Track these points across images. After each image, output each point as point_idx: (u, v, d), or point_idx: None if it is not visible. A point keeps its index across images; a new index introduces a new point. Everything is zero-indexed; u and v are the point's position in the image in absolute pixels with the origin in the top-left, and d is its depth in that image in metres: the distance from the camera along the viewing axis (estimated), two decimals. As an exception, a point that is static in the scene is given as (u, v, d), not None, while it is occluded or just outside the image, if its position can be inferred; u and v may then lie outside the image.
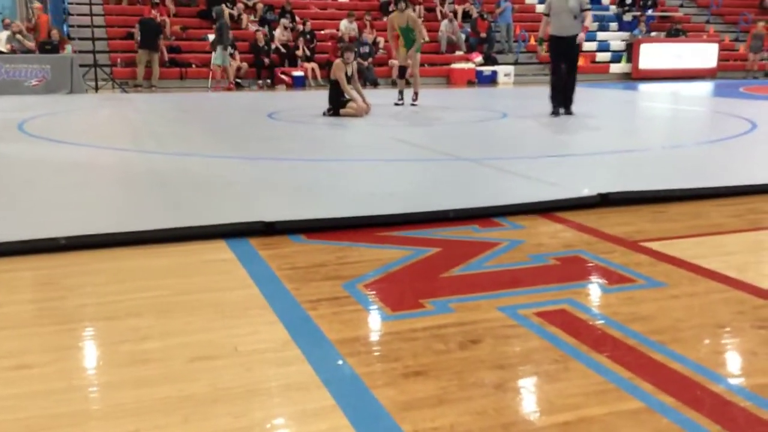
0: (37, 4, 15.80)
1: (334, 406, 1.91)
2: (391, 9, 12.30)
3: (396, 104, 10.69)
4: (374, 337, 2.44)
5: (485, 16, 19.04)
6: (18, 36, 14.13)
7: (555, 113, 8.81)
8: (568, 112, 8.95)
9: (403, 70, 10.99)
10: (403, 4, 10.41)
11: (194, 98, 13.01)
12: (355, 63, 9.97)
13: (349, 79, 9.08)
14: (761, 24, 18.94)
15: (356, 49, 9.55)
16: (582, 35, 8.72)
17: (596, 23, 20.42)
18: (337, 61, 9.19)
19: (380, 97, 11.15)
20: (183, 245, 3.43)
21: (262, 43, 15.75)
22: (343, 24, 17.23)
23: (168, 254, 3.32)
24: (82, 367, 2.20)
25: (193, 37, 16.40)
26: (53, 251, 3.30)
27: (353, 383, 2.04)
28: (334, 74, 9.02)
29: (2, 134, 7.50)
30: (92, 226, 3.55)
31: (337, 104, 9.00)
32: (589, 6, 8.80)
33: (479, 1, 20.02)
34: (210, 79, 15.13)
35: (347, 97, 8.96)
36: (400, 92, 10.91)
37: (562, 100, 8.92)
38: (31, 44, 14.03)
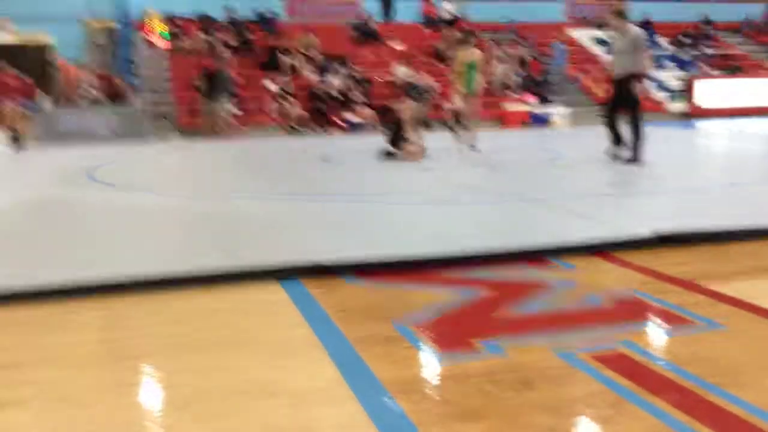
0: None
1: (384, 446, 1.92)
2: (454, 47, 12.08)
3: (455, 152, 10.23)
4: (425, 378, 2.44)
5: (538, 58, 19.09)
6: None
7: (607, 152, 8.43)
8: (630, 159, 8.08)
9: (458, 116, 10.60)
10: (471, 38, 10.26)
11: (254, 144, 13.36)
12: (416, 106, 10.05)
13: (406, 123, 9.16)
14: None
15: (420, 94, 9.49)
16: (636, 78, 8.12)
17: (653, 63, 20.23)
18: (409, 102, 9.25)
19: (433, 140, 11.21)
20: (238, 285, 3.51)
21: (322, 94, 16.13)
22: (401, 70, 17.51)
23: (224, 294, 3.40)
24: (140, 405, 2.27)
25: (254, 86, 16.89)
26: (115, 291, 3.41)
27: (403, 424, 2.05)
28: (403, 114, 9.06)
29: (73, 181, 7.84)
30: (153, 268, 3.67)
31: (397, 146, 9.06)
32: (642, 45, 8.24)
33: (531, 44, 20.10)
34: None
35: (407, 139, 9.01)
36: (458, 136, 10.45)
37: (615, 141, 8.44)
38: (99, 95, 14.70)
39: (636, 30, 8.40)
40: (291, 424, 2.06)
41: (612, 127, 8.41)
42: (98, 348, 2.79)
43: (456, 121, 10.71)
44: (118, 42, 17.09)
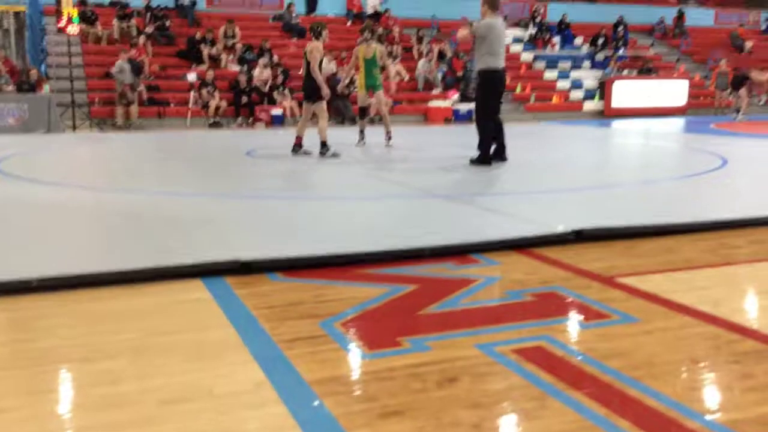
0: None
1: (310, 449, 1.89)
2: (359, 41, 12.06)
3: (356, 146, 10.31)
4: (351, 376, 2.43)
5: (461, 55, 19.36)
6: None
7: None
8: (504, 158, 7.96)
9: (363, 111, 10.72)
10: (368, 34, 10.21)
11: (172, 137, 13.01)
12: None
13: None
14: (724, 62, 19.46)
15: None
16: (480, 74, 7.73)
17: (569, 62, 20.87)
18: (315, 43, 8.77)
19: (356, 135, 11.20)
20: (159, 285, 3.40)
21: (244, 85, 15.84)
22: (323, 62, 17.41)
23: (143, 294, 3.29)
24: (54, 411, 2.16)
25: (171, 76, 16.44)
26: (26, 292, 3.25)
27: (329, 425, 2.02)
28: (310, 56, 8.65)
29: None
30: (66, 267, 3.51)
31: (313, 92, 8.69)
32: (482, 37, 7.61)
33: (454, 40, 20.37)
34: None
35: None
36: (361, 132, 10.55)
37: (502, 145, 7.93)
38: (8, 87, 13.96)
39: (482, 22, 7.71)
40: (214, 429, 2.00)
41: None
42: (8, 351, 2.64)
43: (361, 118, 10.75)
44: (26, 27, 16.26)
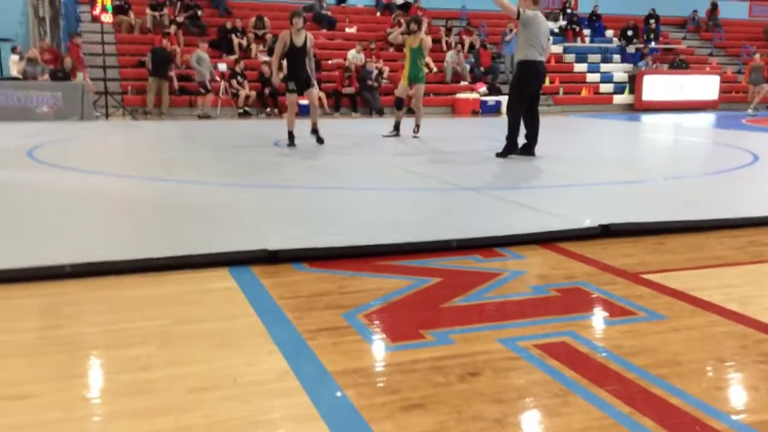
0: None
1: (332, 439, 1.91)
2: (402, 33, 12.08)
3: (385, 136, 10.29)
4: (373, 368, 2.44)
5: (488, 46, 19.23)
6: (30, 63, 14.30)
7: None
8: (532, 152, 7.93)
9: (400, 101, 10.60)
10: (415, 26, 10.15)
11: (202, 125, 13.13)
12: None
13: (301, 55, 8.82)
14: (758, 56, 19.07)
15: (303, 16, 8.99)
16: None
17: (599, 55, 20.62)
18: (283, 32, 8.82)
19: (385, 126, 11.21)
20: (185, 273, 3.44)
21: (268, 74, 15.90)
22: (351, 53, 17.43)
23: (170, 282, 3.34)
24: (80, 397, 2.20)
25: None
26: (57, 278, 3.31)
27: (351, 416, 2.04)
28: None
29: (12, 161, 7.57)
30: (96, 254, 3.57)
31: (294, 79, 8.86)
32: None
33: (484, 32, 20.24)
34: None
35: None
36: (397, 124, 10.42)
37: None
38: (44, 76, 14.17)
39: (527, 12, 7.62)
40: (237, 417, 2.03)
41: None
42: (37, 337, 2.70)
43: (398, 108, 10.64)
44: (61, 16, 16.48)
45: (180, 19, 17.31)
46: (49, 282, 3.28)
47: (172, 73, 15.52)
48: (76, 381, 2.32)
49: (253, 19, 17.98)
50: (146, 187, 6.06)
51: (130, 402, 2.13)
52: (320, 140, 9.13)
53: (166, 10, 17.43)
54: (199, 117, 14.88)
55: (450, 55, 18.40)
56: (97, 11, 14.39)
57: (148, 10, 17.31)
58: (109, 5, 14.43)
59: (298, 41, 8.74)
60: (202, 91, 15.14)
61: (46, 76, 14.09)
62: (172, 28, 16.74)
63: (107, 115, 14.17)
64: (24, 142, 9.26)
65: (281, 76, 9.42)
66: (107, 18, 14.63)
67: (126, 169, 7.26)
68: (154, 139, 10.57)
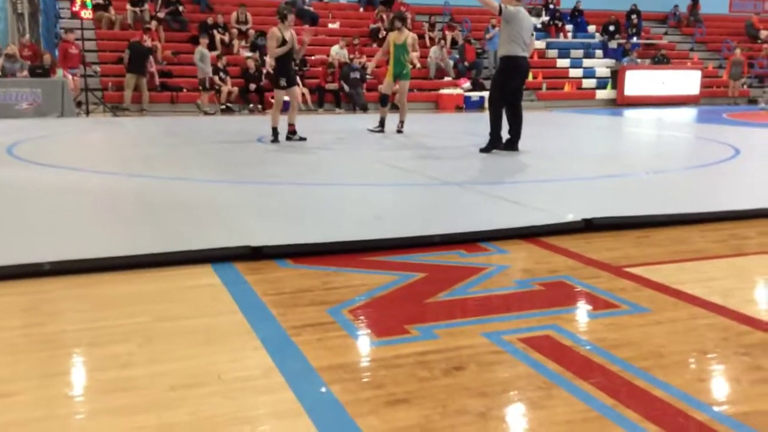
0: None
1: (317, 435, 1.90)
2: (385, 30, 12.09)
3: (371, 130, 10.30)
4: (358, 363, 2.43)
5: (472, 42, 19.26)
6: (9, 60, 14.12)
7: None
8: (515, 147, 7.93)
9: (385, 98, 10.58)
10: (399, 23, 10.18)
11: (184, 122, 13.04)
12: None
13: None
14: (738, 51, 19.26)
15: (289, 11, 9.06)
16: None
17: (581, 50, 20.72)
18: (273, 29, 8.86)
19: (369, 122, 11.20)
20: (168, 270, 3.42)
21: (252, 70, 15.84)
22: (334, 49, 17.38)
23: (153, 279, 3.31)
24: (62, 395, 2.18)
25: (184, 62, 16.46)
26: (37, 276, 3.27)
27: (336, 412, 2.04)
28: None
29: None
30: (77, 251, 3.53)
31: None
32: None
33: (467, 27, 20.26)
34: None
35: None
36: (382, 121, 10.42)
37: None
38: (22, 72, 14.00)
39: (509, 8, 7.65)
40: (222, 414, 2.01)
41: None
42: (19, 335, 2.67)
43: (383, 105, 10.64)
44: (40, 11, 16.29)
45: (161, 14, 17.17)
46: (30, 280, 3.24)
47: (153, 69, 15.39)
48: (58, 379, 2.30)
49: (235, 14, 17.87)
50: (128, 183, 6.01)
51: (112, 399, 2.11)
52: (302, 138, 9.08)
53: (146, 6, 17.29)
54: (206, 114, 14.79)
55: (434, 51, 18.41)
56: (76, 7, 14.24)
57: (128, 6, 17.15)
58: (88, 1, 14.29)
59: (288, 37, 8.72)
60: (201, 88, 15.00)
61: (26, 73, 13.93)
62: (153, 24, 16.61)
63: (88, 112, 14.03)
64: (3, 139, 9.15)
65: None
66: (87, 14, 14.48)
67: (107, 165, 7.19)
68: (135, 135, 10.49)
